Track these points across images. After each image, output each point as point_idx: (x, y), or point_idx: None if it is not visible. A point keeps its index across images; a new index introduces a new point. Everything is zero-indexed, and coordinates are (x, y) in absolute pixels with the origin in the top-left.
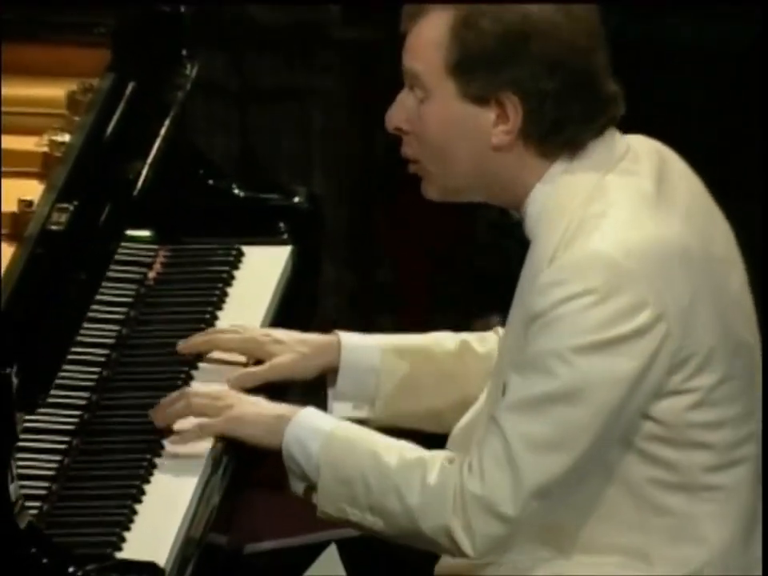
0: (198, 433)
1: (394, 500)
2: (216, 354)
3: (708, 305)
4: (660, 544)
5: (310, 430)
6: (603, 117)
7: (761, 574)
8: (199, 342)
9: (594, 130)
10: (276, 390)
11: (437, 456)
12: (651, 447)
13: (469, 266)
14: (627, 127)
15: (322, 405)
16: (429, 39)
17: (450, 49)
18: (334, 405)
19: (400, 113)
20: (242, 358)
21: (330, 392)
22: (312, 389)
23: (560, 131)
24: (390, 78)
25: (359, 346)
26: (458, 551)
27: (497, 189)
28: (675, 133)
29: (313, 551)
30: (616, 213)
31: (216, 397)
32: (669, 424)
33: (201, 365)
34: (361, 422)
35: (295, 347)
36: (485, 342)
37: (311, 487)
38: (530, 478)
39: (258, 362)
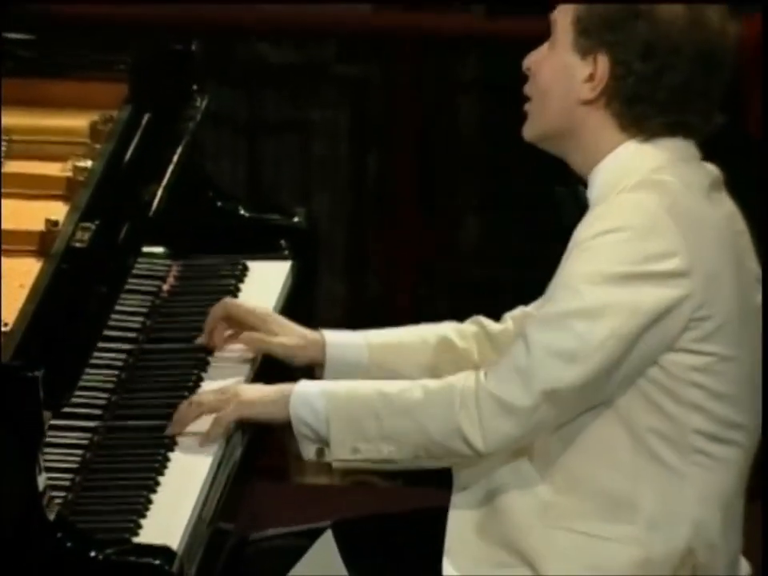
0: (207, 427)
1: (404, 419)
2: (226, 353)
3: (732, 284)
4: (647, 494)
5: (313, 391)
6: (676, 115)
7: (736, 544)
8: (216, 310)
9: (664, 124)
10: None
11: (436, 379)
12: (654, 394)
13: (451, 280)
14: None
15: None
16: None
17: (580, 6)
18: None
19: (534, 55)
20: (251, 354)
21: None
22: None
23: (632, 107)
24: (381, 111)
25: (344, 344)
26: (469, 449)
27: (577, 145)
28: None
29: (312, 537)
30: (672, 182)
31: (221, 391)
32: (674, 376)
33: (210, 367)
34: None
35: (296, 336)
36: (464, 336)
37: (321, 448)
38: (542, 379)
39: (265, 359)
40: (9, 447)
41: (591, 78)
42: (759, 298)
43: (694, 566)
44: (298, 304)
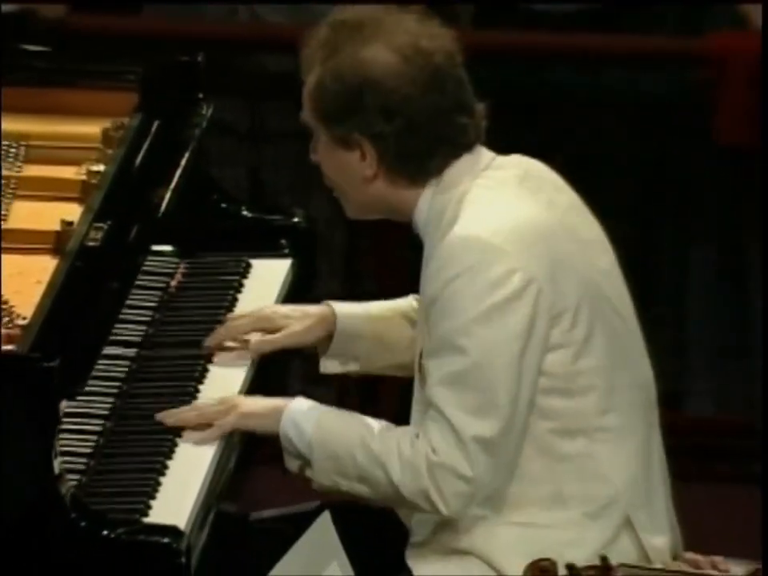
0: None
1: (379, 472)
2: (231, 343)
3: (570, 271)
4: (569, 487)
5: (303, 413)
6: (446, 146)
7: (667, 502)
8: (222, 335)
9: (443, 159)
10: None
11: (405, 430)
12: (547, 401)
13: None
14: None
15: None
16: (306, 95)
17: (313, 103)
18: (326, 363)
19: (312, 150)
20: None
21: (322, 358)
22: (312, 376)
23: (406, 163)
24: None
25: (350, 315)
26: (434, 511)
27: (388, 210)
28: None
29: (309, 518)
30: (479, 204)
31: (221, 402)
32: (558, 376)
33: (215, 358)
34: (345, 374)
35: (302, 320)
36: None
37: (305, 464)
38: (472, 438)
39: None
40: (27, 433)
41: (363, 157)
42: (604, 259)
43: (634, 532)
44: (298, 298)
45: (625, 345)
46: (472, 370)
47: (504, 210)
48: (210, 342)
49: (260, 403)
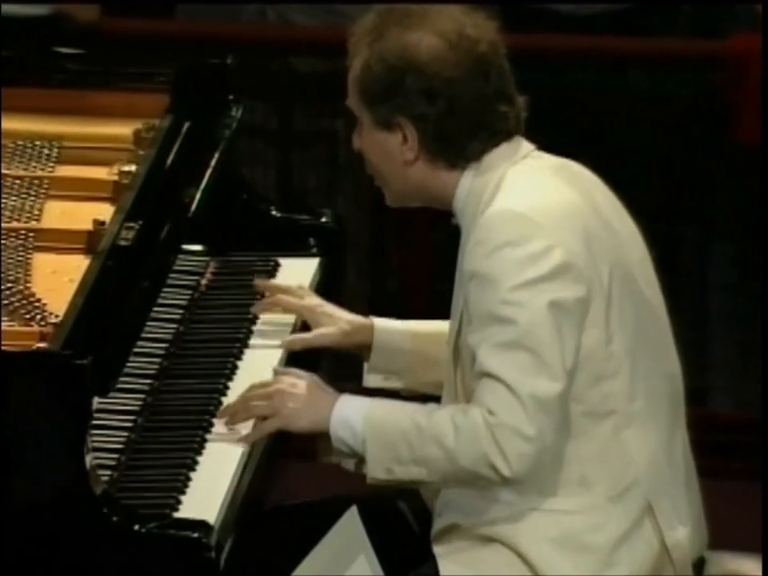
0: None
1: (434, 448)
2: (260, 341)
3: (603, 252)
4: (594, 470)
5: (351, 412)
6: (485, 131)
7: (690, 495)
8: (268, 302)
9: (481, 144)
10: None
11: (456, 405)
12: (578, 384)
13: None
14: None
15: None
16: (350, 79)
17: (358, 85)
18: (368, 377)
19: (356, 140)
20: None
21: (365, 366)
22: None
23: (446, 145)
24: None
25: (390, 330)
26: (497, 476)
27: (428, 196)
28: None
29: (339, 510)
30: (517, 184)
31: (271, 393)
32: (592, 358)
33: (244, 356)
34: (390, 391)
35: (340, 323)
36: None
37: (360, 461)
38: (530, 399)
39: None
40: (59, 429)
41: (404, 140)
42: (636, 250)
43: (656, 520)
44: (326, 297)
45: (653, 334)
46: (521, 336)
47: (540, 191)
48: (256, 308)
49: (307, 404)
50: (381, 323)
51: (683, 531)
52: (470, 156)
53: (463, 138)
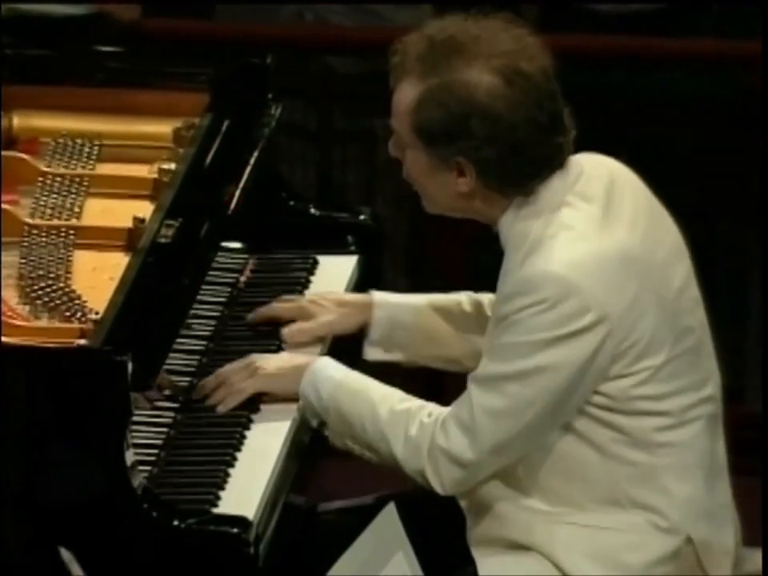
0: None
1: (384, 446)
2: (296, 338)
3: (649, 301)
4: (627, 492)
5: (322, 378)
6: (546, 167)
7: (729, 518)
8: (264, 312)
9: (541, 178)
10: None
11: (421, 409)
12: (604, 415)
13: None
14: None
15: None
16: (401, 104)
17: (414, 119)
18: (369, 350)
19: (392, 149)
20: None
21: (366, 341)
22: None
23: (508, 183)
24: None
25: (390, 304)
26: (431, 490)
27: (473, 215)
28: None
29: (376, 509)
30: (565, 234)
31: (245, 365)
32: (617, 398)
33: (282, 352)
34: (392, 363)
35: (337, 309)
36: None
37: (322, 423)
38: (485, 438)
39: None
40: (100, 425)
41: (460, 175)
42: (680, 271)
43: (693, 546)
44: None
45: (697, 363)
46: (512, 380)
47: (587, 241)
48: (254, 316)
49: (282, 364)
50: (380, 297)
51: (726, 560)
52: (528, 190)
53: (524, 176)
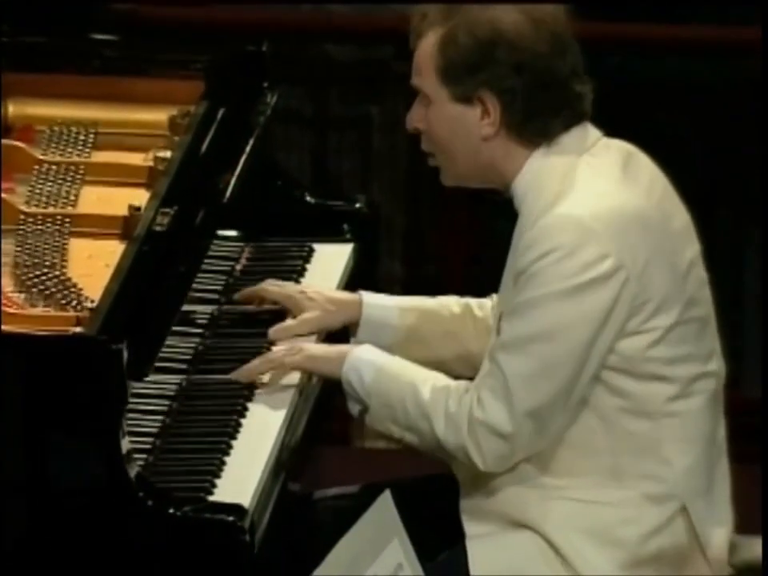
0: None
1: (425, 425)
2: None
3: (662, 263)
4: (628, 463)
5: (365, 362)
6: (567, 110)
7: (727, 493)
8: (248, 292)
9: (562, 122)
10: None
11: (458, 386)
12: (615, 379)
13: (498, 263)
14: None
15: None
16: (424, 56)
17: (437, 61)
18: None
19: (415, 116)
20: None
21: (352, 340)
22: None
23: (531, 121)
24: None
25: (379, 305)
26: (473, 466)
27: (492, 175)
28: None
29: (372, 496)
30: (585, 185)
31: (290, 348)
32: (631, 358)
33: (279, 343)
34: None
35: (324, 305)
36: (483, 307)
37: (364, 409)
38: (521, 403)
39: None
40: (95, 413)
41: (485, 115)
42: (691, 249)
43: (687, 515)
44: (360, 283)
45: (703, 334)
46: (539, 339)
47: (607, 195)
48: (239, 295)
49: (326, 348)
50: (369, 298)
51: (720, 532)
52: (548, 134)
53: (548, 114)
